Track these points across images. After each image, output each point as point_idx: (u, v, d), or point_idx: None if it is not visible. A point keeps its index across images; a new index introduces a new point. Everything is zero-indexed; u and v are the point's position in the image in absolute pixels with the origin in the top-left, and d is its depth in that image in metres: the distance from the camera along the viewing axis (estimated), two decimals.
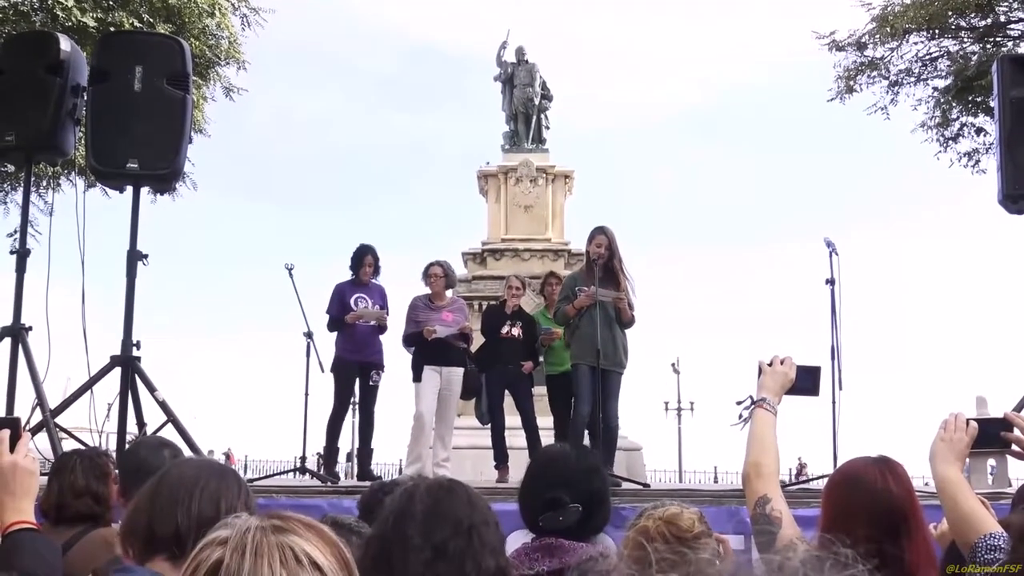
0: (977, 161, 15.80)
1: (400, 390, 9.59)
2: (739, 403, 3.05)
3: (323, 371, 8.67)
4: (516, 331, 9.22)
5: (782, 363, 3.07)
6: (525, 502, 2.98)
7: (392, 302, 9.13)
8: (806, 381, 3.13)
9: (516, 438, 9.26)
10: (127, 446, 5.44)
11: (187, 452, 4.93)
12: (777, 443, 2.91)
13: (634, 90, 73.04)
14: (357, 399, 9.20)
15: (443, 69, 78.01)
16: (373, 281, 9.07)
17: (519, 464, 9.08)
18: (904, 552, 2.55)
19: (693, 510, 2.68)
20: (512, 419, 9.28)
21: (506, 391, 9.23)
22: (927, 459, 2.90)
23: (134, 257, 7.21)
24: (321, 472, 8.78)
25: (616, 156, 69.12)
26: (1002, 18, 15.24)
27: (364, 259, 8.96)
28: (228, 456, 31.86)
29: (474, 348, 9.29)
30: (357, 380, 8.89)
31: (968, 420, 2.82)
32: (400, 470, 17.74)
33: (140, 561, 2.06)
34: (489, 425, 9.27)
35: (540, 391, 9.44)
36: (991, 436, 2.88)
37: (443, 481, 2.36)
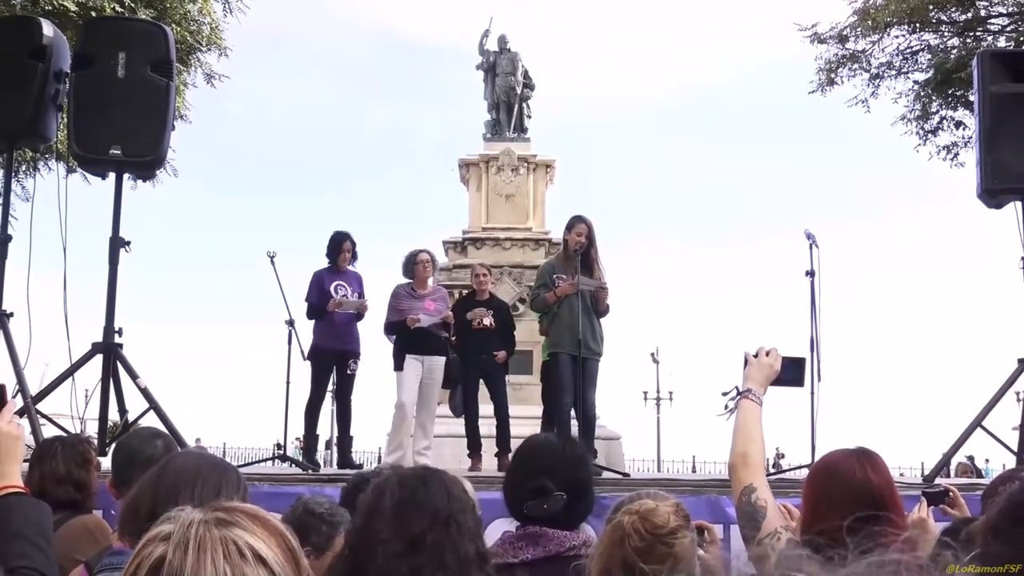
0: (956, 154, 15.92)
1: (381, 378, 9.62)
2: (725, 394, 3.09)
3: (305, 359, 8.68)
4: (488, 320, 9.23)
5: (767, 354, 3.10)
6: (510, 490, 3.00)
7: (371, 290, 9.15)
8: (791, 372, 3.16)
9: (487, 427, 9.29)
10: (120, 437, 5.42)
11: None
12: (762, 434, 2.95)
13: (616, 80, 73.11)
14: (334, 387, 9.20)
15: (419, 58, 77.79)
16: (350, 268, 9.08)
17: (487, 452, 9.17)
18: None
19: (670, 503, 2.71)
20: (484, 408, 9.33)
21: (481, 381, 9.28)
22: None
23: (116, 244, 7.19)
24: (302, 459, 8.78)
25: (598, 146, 69.18)
26: (982, 12, 15.34)
27: (342, 246, 8.97)
28: None
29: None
30: (334, 368, 8.90)
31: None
32: (379, 458, 17.75)
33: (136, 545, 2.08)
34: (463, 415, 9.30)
35: (516, 379, 9.49)
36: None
37: (418, 471, 2.35)
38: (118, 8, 11.97)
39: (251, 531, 1.36)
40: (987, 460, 18.56)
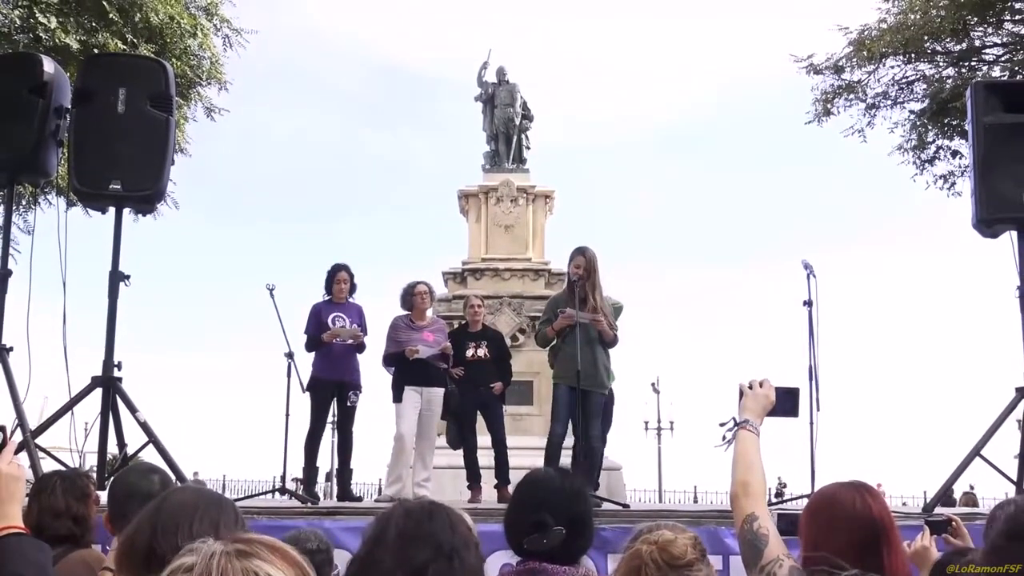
0: (952, 183, 16.00)
1: (380, 409, 9.62)
2: (722, 425, 3.11)
3: (304, 391, 8.67)
4: (483, 351, 9.24)
5: (761, 385, 3.14)
6: (509, 525, 3.01)
7: (371, 321, 9.16)
8: (786, 403, 3.20)
9: (486, 458, 9.30)
10: (118, 471, 5.42)
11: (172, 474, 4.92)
12: (762, 463, 2.98)
13: (615, 107, 73.23)
14: (334, 419, 9.19)
15: (418, 88, 77.77)
16: (351, 300, 9.09)
17: (487, 484, 9.16)
18: (884, 569, 2.62)
19: (688, 535, 2.71)
20: (483, 439, 9.33)
21: (478, 413, 9.28)
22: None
23: (116, 278, 7.20)
24: (301, 492, 8.76)
25: (596, 175, 69.05)
26: (977, 43, 15.46)
27: (335, 276, 9.01)
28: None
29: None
30: (334, 400, 8.89)
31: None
32: (379, 490, 17.70)
33: None
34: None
35: (516, 410, 9.46)
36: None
37: (425, 504, 2.36)
38: (119, 44, 12.06)
39: (271, 562, 1.39)
40: (971, 486, 18.60)
